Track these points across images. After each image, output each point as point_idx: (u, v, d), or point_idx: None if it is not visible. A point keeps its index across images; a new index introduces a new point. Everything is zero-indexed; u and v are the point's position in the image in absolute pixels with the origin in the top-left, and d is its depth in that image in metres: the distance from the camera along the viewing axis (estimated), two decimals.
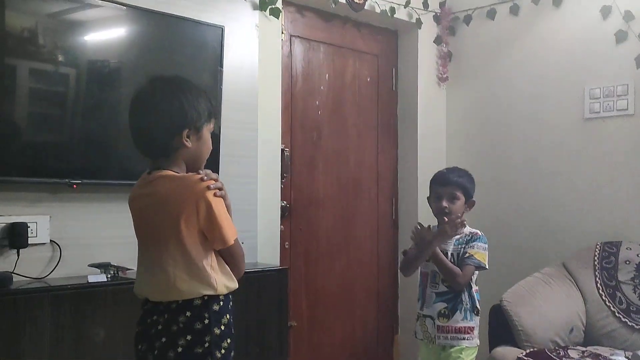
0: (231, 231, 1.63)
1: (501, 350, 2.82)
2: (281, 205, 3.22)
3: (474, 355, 2.42)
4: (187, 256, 1.59)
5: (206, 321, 1.59)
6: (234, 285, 1.68)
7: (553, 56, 3.45)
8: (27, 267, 2.24)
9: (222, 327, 1.62)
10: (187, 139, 1.64)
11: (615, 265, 2.97)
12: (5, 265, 2.20)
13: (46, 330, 2.02)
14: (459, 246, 2.44)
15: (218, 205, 1.59)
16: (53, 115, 2.34)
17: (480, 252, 2.41)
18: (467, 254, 2.40)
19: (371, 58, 3.79)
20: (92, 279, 2.21)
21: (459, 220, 2.40)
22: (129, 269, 2.33)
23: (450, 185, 2.44)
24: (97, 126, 2.39)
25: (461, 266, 2.39)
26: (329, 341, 3.54)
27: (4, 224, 2.20)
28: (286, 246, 3.30)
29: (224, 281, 1.64)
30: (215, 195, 1.59)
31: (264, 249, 3.02)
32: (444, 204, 2.42)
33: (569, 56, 3.38)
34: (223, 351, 1.60)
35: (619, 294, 2.89)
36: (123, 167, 2.48)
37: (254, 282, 2.55)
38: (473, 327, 2.39)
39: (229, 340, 1.63)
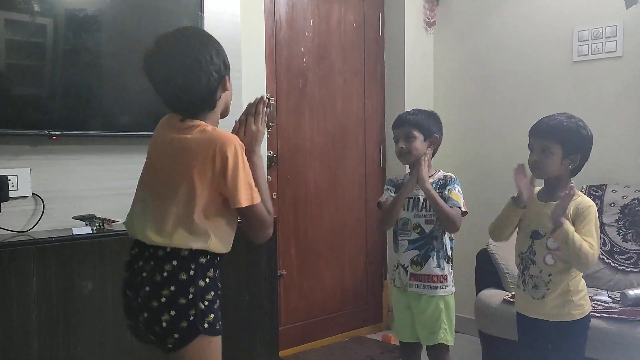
0: (245, 193, 1.57)
1: (487, 292, 2.87)
2: (268, 155, 3.20)
3: (450, 303, 2.32)
4: (190, 207, 1.56)
5: (192, 272, 1.57)
6: (226, 250, 1.67)
7: None
8: (9, 220, 2.22)
9: (207, 280, 1.60)
10: (224, 89, 1.68)
11: (600, 207, 2.98)
12: None
13: (32, 283, 2.02)
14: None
15: (238, 161, 1.55)
16: (31, 66, 2.28)
17: (459, 195, 2.30)
18: (449, 198, 2.28)
19: (357, 2, 3.70)
20: (77, 231, 2.20)
21: (424, 157, 2.29)
22: (115, 221, 2.32)
23: (404, 125, 2.34)
24: (76, 77, 2.34)
25: None
26: (319, 288, 3.58)
27: None
28: (274, 196, 3.30)
29: (217, 244, 1.62)
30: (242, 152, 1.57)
31: None
32: (400, 144, 2.33)
33: None
34: (207, 303, 1.58)
35: (603, 236, 2.91)
36: (104, 119, 2.45)
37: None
38: (446, 276, 2.30)
39: (212, 293, 1.61)
